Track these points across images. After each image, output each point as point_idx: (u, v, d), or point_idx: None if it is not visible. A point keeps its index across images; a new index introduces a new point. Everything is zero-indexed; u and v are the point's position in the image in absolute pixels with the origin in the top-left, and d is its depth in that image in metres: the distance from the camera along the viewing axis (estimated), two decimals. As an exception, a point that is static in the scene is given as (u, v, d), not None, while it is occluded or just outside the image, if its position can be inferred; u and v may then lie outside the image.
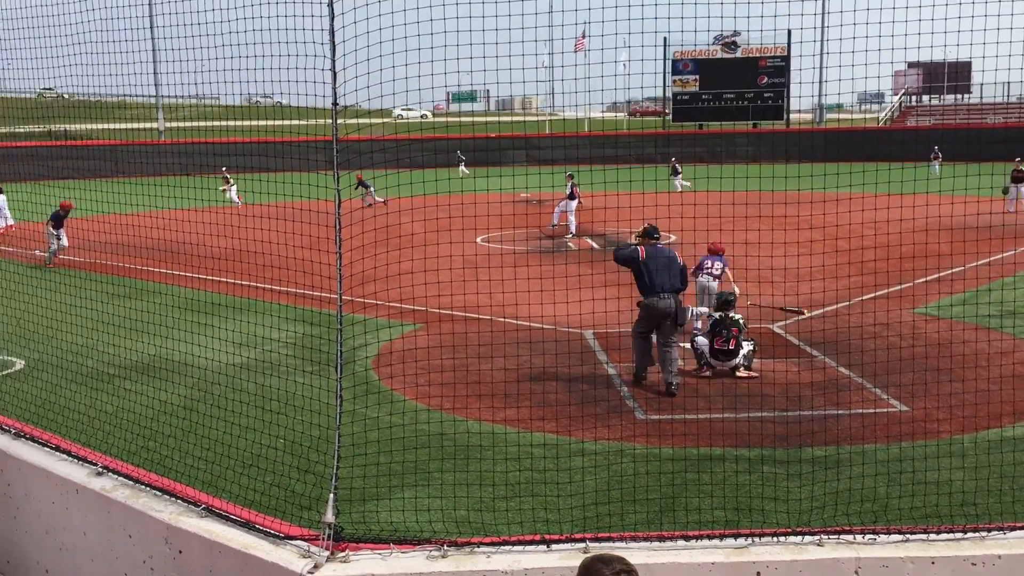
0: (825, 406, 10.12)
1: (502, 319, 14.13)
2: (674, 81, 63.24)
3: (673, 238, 22.82)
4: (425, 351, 11.96)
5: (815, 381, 11.11)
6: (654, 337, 11.19)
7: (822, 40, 46.05)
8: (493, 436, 9.04)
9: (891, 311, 14.12)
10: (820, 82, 48.19)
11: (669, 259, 11.25)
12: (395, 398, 10.54)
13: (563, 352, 12.34)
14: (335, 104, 5.10)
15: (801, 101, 69.81)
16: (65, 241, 21.61)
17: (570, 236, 25.20)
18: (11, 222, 26.86)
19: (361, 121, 6.55)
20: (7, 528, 6.95)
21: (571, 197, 25.94)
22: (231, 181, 34.36)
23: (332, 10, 4.82)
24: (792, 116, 64.56)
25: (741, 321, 11.65)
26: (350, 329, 13.78)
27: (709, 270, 13.49)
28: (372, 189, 27.90)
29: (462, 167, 41.73)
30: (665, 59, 59.42)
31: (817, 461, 8.45)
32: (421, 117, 62.74)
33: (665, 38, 55.84)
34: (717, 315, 11.65)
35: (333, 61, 4.97)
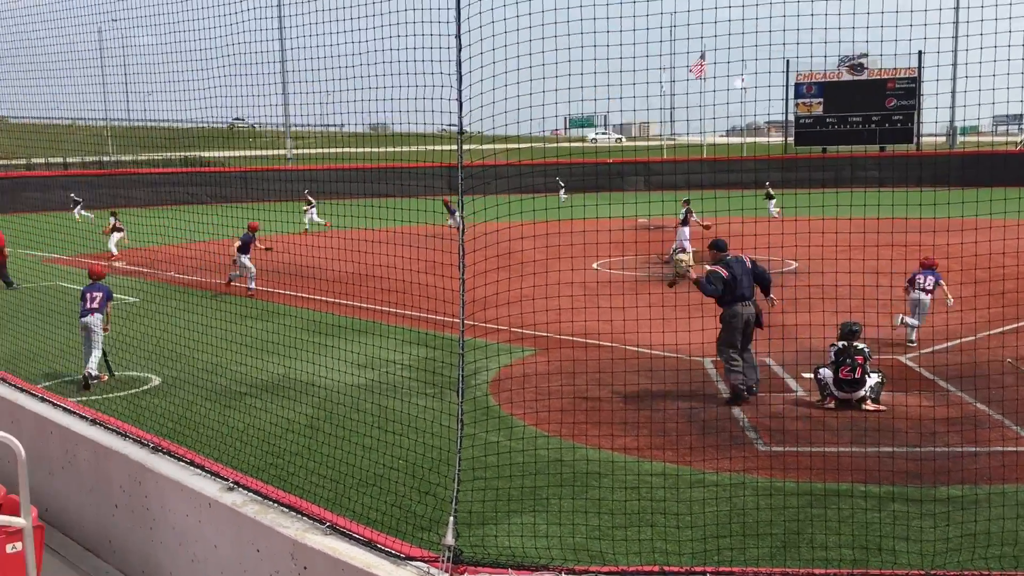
0: (961, 443, 9.63)
1: (619, 346, 14.04)
2: (797, 104, 61.83)
3: (795, 264, 22.24)
4: (542, 376, 11.98)
5: (949, 416, 10.59)
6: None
7: (954, 62, 44.31)
8: (612, 464, 8.96)
9: (1033, 344, 13.36)
10: (952, 104, 46.31)
11: (744, 266, 11.80)
12: (513, 423, 10.57)
13: (681, 380, 12.15)
14: (460, 132, 5.19)
15: (934, 125, 67.17)
16: (251, 267, 20.75)
17: (685, 261, 24.91)
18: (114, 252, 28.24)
19: (485, 146, 6.65)
20: (144, 538, 7.28)
21: (684, 223, 25.64)
22: (312, 203, 35.55)
23: (459, 41, 4.92)
24: (923, 139, 62.15)
25: (867, 350, 11.23)
26: (470, 354, 13.98)
27: (922, 285, 14.22)
28: (457, 214, 28.11)
29: (561, 193, 41.82)
30: (787, 82, 58.21)
31: (952, 501, 8.04)
32: (617, 140, 63.05)
33: (787, 61, 54.85)
34: (840, 344, 11.26)
35: (460, 91, 5.07)
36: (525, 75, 5.90)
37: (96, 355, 13.15)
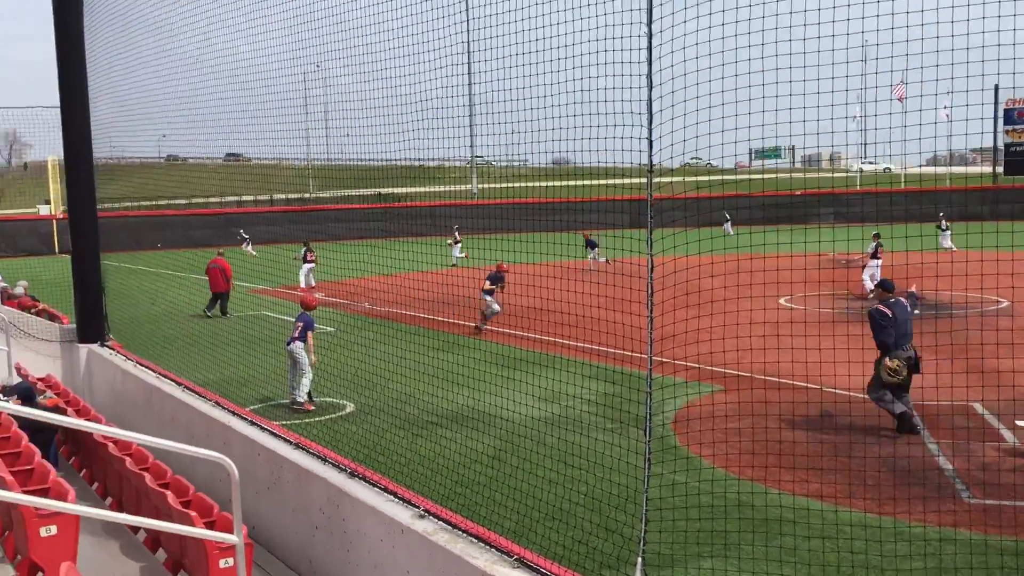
0: None
1: (811, 386, 13.48)
2: (1007, 131, 57.76)
3: (1006, 303, 20.69)
4: (729, 416, 11.67)
5: None
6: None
7: None
8: (805, 511, 8.58)
9: None
10: None
11: (905, 310, 11.86)
12: (698, 463, 10.34)
13: (878, 425, 11.51)
14: (650, 170, 5.18)
15: None
16: (497, 307, 20.54)
17: (871, 296, 23.77)
18: (303, 284, 29.68)
19: (675, 179, 6.60)
20: (341, 560, 7.60)
21: (874, 256, 24.47)
22: (459, 239, 36.09)
23: (650, 80, 4.93)
24: None
25: None
26: (655, 391, 13.82)
27: None
28: (598, 249, 27.69)
29: (728, 227, 40.93)
30: (996, 107, 54.52)
31: None
32: (885, 170, 61.52)
33: (996, 85, 51.39)
34: None
35: (650, 130, 5.07)
36: (717, 110, 5.83)
37: (303, 383, 13.87)
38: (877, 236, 24.86)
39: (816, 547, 7.75)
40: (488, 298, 20.12)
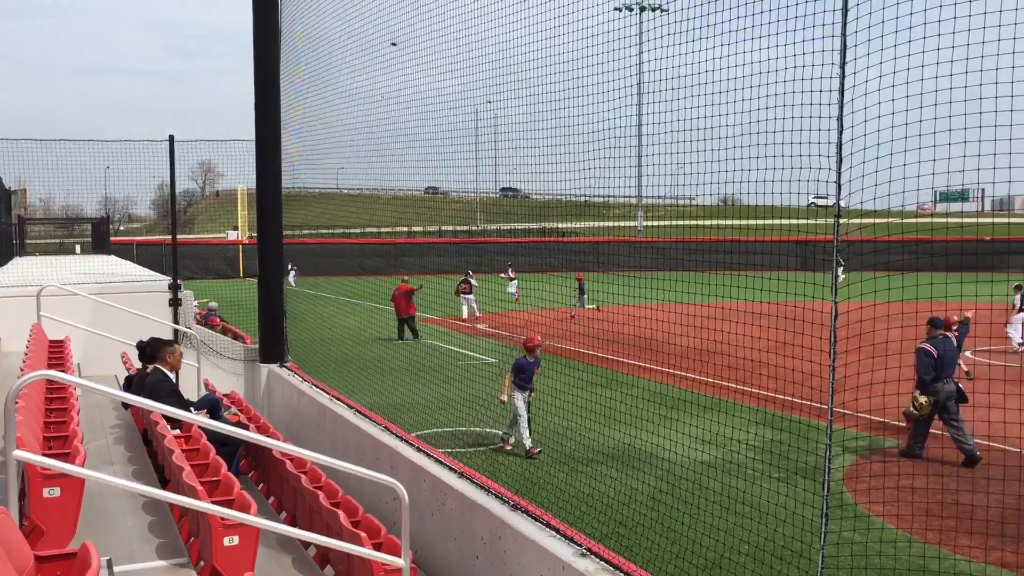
0: None
1: (997, 445, 12.60)
2: None
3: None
4: (905, 472, 11.05)
5: None
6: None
7: None
8: (987, 579, 8.02)
9: None
10: None
11: (952, 345, 12.70)
12: (871, 522, 9.84)
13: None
14: (838, 214, 5.04)
15: None
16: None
17: (1015, 351, 22.12)
18: (476, 312, 30.15)
19: (865, 220, 6.38)
20: (499, 590, 7.67)
21: (1020, 310, 22.82)
22: (513, 276, 35.69)
23: (841, 124, 4.81)
24: None
25: None
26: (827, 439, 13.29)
27: None
28: (586, 297, 26.59)
29: (840, 272, 38.31)
30: None
31: None
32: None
33: None
34: None
35: (839, 173, 4.94)
36: (899, 146, 5.63)
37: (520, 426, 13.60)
38: (1019, 287, 23.24)
39: (1003, 621, 7.22)
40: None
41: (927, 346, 12.58)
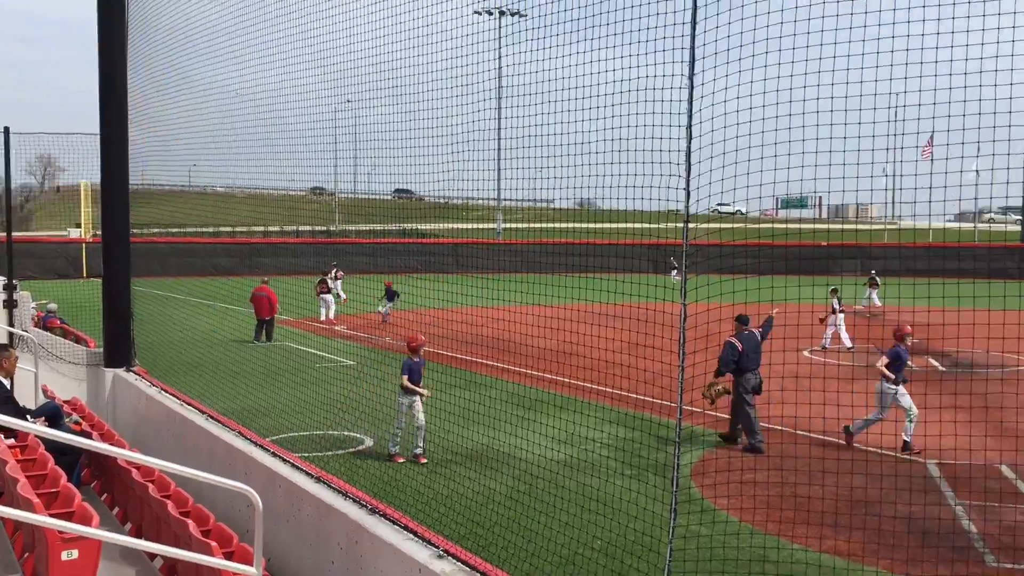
0: None
1: (832, 440, 13.38)
2: (1034, 189, 57.57)
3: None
4: (748, 467, 11.59)
5: None
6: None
7: None
8: (820, 567, 8.50)
9: None
10: None
11: (756, 340, 13.71)
12: (717, 515, 10.26)
13: (900, 482, 11.38)
14: (687, 219, 5.24)
15: None
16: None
17: (846, 350, 23.68)
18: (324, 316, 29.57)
19: (711, 225, 6.65)
20: (356, 595, 7.58)
21: (840, 311, 24.52)
22: (339, 276, 35.22)
23: (690, 132, 5.00)
24: None
25: None
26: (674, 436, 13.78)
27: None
28: (391, 305, 27.45)
29: (674, 274, 39.61)
30: None
31: None
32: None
33: (1024, 143, 51.17)
34: None
35: (688, 180, 5.13)
36: (743, 155, 5.91)
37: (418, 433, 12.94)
38: (835, 291, 24.80)
39: (835, 605, 7.68)
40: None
41: (734, 340, 13.62)
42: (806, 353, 23.02)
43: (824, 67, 5.99)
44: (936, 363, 22.11)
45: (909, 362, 13.57)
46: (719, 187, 5.43)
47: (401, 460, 12.75)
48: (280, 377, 16.25)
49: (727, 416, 14.28)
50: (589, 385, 14.63)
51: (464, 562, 6.64)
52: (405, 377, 12.99)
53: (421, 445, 12.77)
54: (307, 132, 13.17)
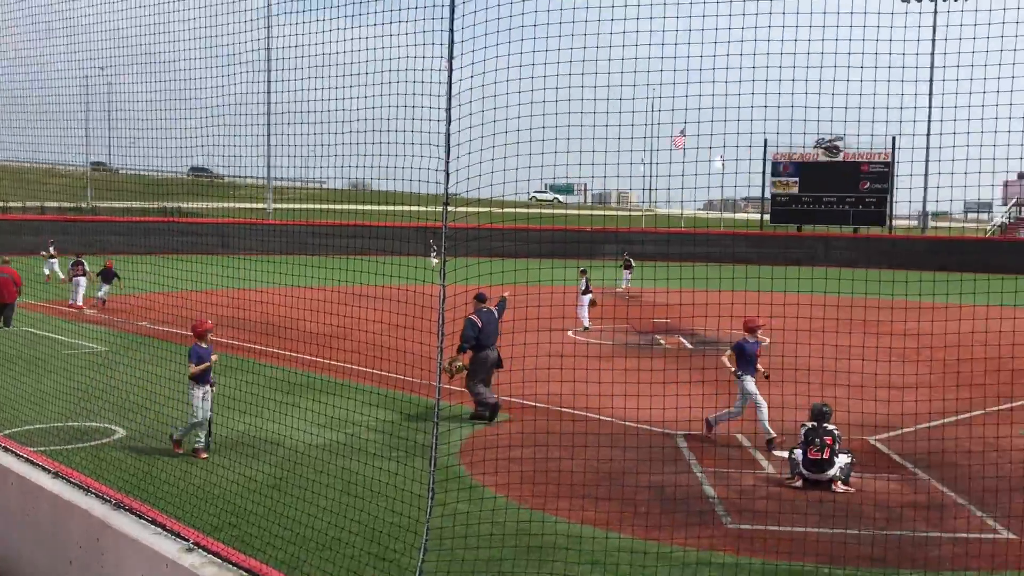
0: (923, 527, 9.65)
1: (592, 416, 14.02)
2: (773, 183, 62.94)
3: (767, 341, 22.42)
4: (514, 445, 11.90)
5: (915, 500, 10.63)
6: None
7: (927, 146, 45.19)
8: (579, 538, 8.88)
9: (1000, 430, 13.47)
10: (925, 188, 47.29)
11: (493, 317, 14.25)
12: (480, 492, 10.47)
13: (653, 454, 12.12)
14: (446, 202, 5.25)
15: (909, 207, 68.57)
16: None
17: (583, 330, 24.91)
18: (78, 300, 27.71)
19: (469, 209, 6.72)
20: (97, 597, 7.09)
21: (585, 292, 25.72)
22: (55, 254, 34.87)
23: (449, 115, 5.01)
24: (896, 222, 63.34)
25: (836, 432, 11.29)
26: (442, 421, 13.91)
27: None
28: (107, 288, 27.32)
29: (433, 257, 40.35)
30: (764, 160, 59.35)
31: (916, 587, 8.03)
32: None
33: (765, 139, 55.94)
34: (810, 424, 11.33)
35: (447, 162, 5.14)
36: (512, 141, 6.02)
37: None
38: (584, 272, 25.92)
39: (585, 572, 8.04)
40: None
41: (474, 317, 14.05)
42: (570, 333, 23.96)
43: (588, 56, 6.18)
44: (684, 341, 23.70)
45: (758, 355, 13.08)
46: (478, 170, 5.48)
47: (180, 451, 12.02)
48: (15, 365, 14.88)
49: (508, 398, 14.63)
50: (354, 367, 14.49)
51: (215, 553, 6.38)
52: (192, 365, 12.05)
53: (203, 439, 11.99)
54: (52, 100, 12.16)
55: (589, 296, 25.54)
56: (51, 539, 7.73)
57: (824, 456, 11.05)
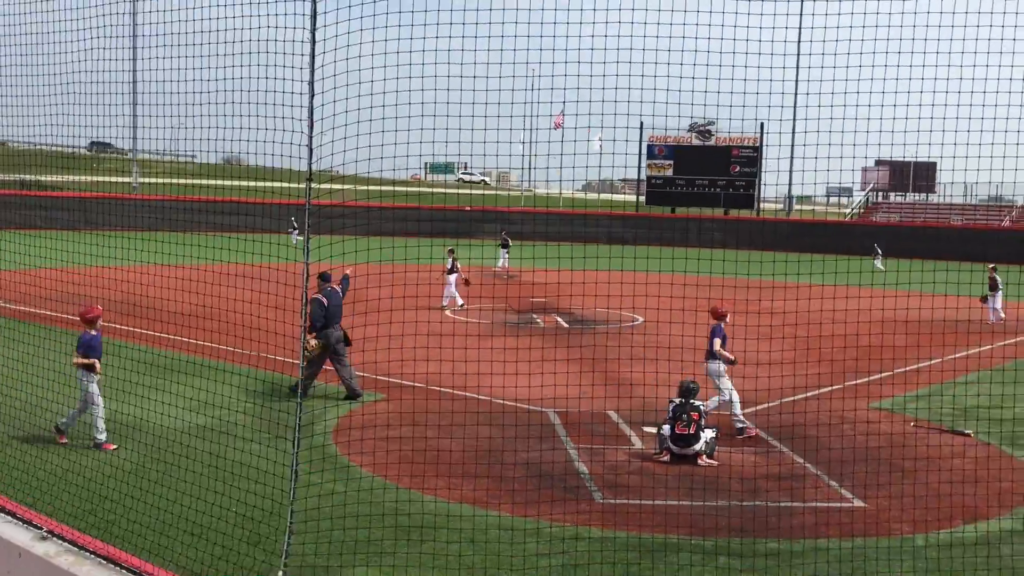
0: (781, 498, 10.10)
1: (466, 395, 14.07)
2: (649, 165, 64.39)
3: (640, 320, 22.99)
4: (388, 424, 11.83)
5: (774, 472, 11.11)
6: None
7: (793, 132, 47.05)
8: (452, 516, 8.91)
9: (849, 404, 14.24)
10: (790, 172, 49.25)
11: (338, 297, 14.57)
12: (353, 472, 10.37)
13: (525, 432, 12.26)
14: (309, 178, 5.13)
15: (776, 189, 71.35)
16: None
17: (460, 307, 25.12)
18: None
19: (335, 186, 6.59)
20: (-60, 592, 6.69)
21: (451, 271, 25.97)
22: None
23: (312, 89, 4.89)
24: (763, 205, 65.85)
25: (702, 408, 11.68)
26: (314, 400, 13.68)
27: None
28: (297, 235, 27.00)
29: (294, 235, 39.14)
30: (641, 143, 60.63)
31: (770, 555, 8.41)
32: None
33: (641, 122, 57.19)
34: (678, 401, 11.68)
35: (311, 137, 5.02)
36: (389, 123, 5.93)
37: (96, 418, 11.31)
38: (452, 251, 25.99)
39: (463, 550, 8.08)
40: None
41: (320, 296, 14.13)
42: (448, 313, 23.96)
43: (467, 32, 6.11)
44: (560, 319, 24.06)
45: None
46: (343, 147, 5.37)
47: (64, 441, 11.28)
48: None
49: (385, 378, 14.49)
50: (222, 347, 14.09)
51: (71, 541, 6.12)
52: (79, 355, 11.28)
53: (102, 430, 11.17)
54: None
55: (455, 275, 25.57)
56: None
57: (691, 431, 11.41)
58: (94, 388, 11.31)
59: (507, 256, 37.01)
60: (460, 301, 25.13)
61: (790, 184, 57.87)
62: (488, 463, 10.94)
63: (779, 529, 9.15)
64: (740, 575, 7.85)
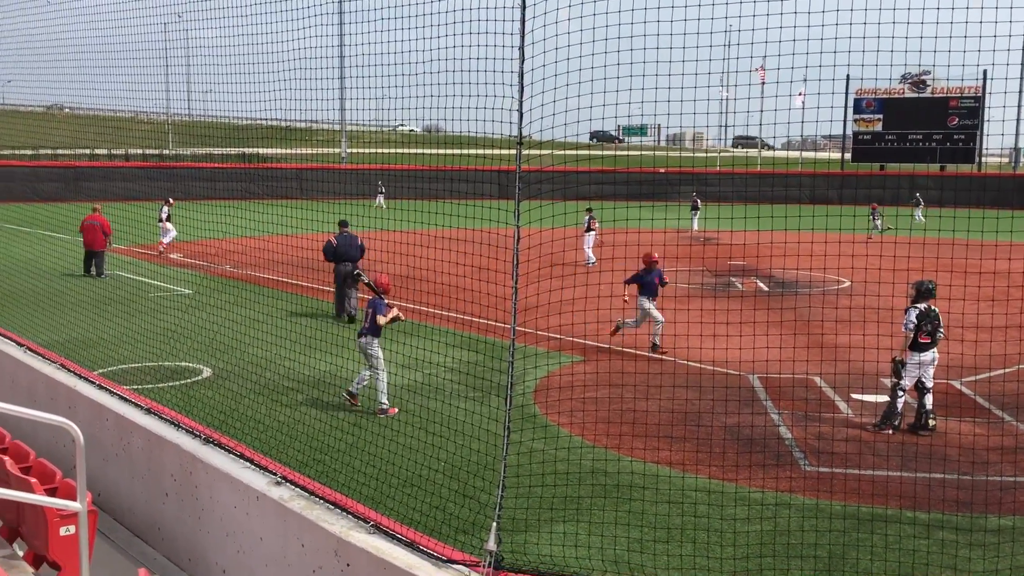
0: (1015, 472, 9.43)
1: (667, 358, 13.98)
2: (855, 120, 60.98)
3: (846, 283, 21.95)
4: (588, 385, 11.97)
5: (1004, 445, 10.38)
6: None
7: (1021, 79, 43.16)
8: (654, 477, 8.93)
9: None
10: (1017, 122, 45.24)
11: (351, 240, 17.25)
12: (556, 432, 10.58)
13: (728, 396, 12.06)
14: (520, 142, 5.23)
15: (1001, 139, 65.84)
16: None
17: (589, 266, 24.57)
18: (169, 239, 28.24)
19: (539, 152, 6.67)
20: (192, 528, 7.43)
21: (588, 230, 25.75)
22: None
23: (523, 52, 4.96)
24: (986, 159, 60.95)
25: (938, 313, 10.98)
26: (517, 360, 14.02)
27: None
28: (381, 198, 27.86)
29: (380, 199, 39.84)
30: (847, 96, 57.51)
31: (1003, 531, 7.88)
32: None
33: (847, 74, 54.05)
34: (922, 307, 10.91)
35: (521, 102, 5.11)
36: (587, 86, 5.93)
37: (378, 382, 11.44)
38: (589, 211, 25.81)
39: (663, 511, 8.09)
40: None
41: (331, 238, 16.91)
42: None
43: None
44: (761, 283, 23.35)
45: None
46: (551, 109, 5.43)
47: (357, 406, 11.52)
48: (109, 307, 15.47)
49: (583, 341, 14.66)
50: (433, 310, 14.67)
51: (302, 487, 6.61)
52: (379, 316, 11.49)
53: (384, 391, 11.36)
54: (137, 48, 12.37)
55: (592, 234, 25.54)
56: (146, 472, 8.10)
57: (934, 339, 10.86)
58: (380, 353, 11.49)
59: (695, 218, 36.34)
60: (593, 260, 24.90)
61: (1017, 135, 53.17)
62: (688, 425, 10.87)
63: (1010, 505, 8.55)
64: (968, 550, 7.41)
